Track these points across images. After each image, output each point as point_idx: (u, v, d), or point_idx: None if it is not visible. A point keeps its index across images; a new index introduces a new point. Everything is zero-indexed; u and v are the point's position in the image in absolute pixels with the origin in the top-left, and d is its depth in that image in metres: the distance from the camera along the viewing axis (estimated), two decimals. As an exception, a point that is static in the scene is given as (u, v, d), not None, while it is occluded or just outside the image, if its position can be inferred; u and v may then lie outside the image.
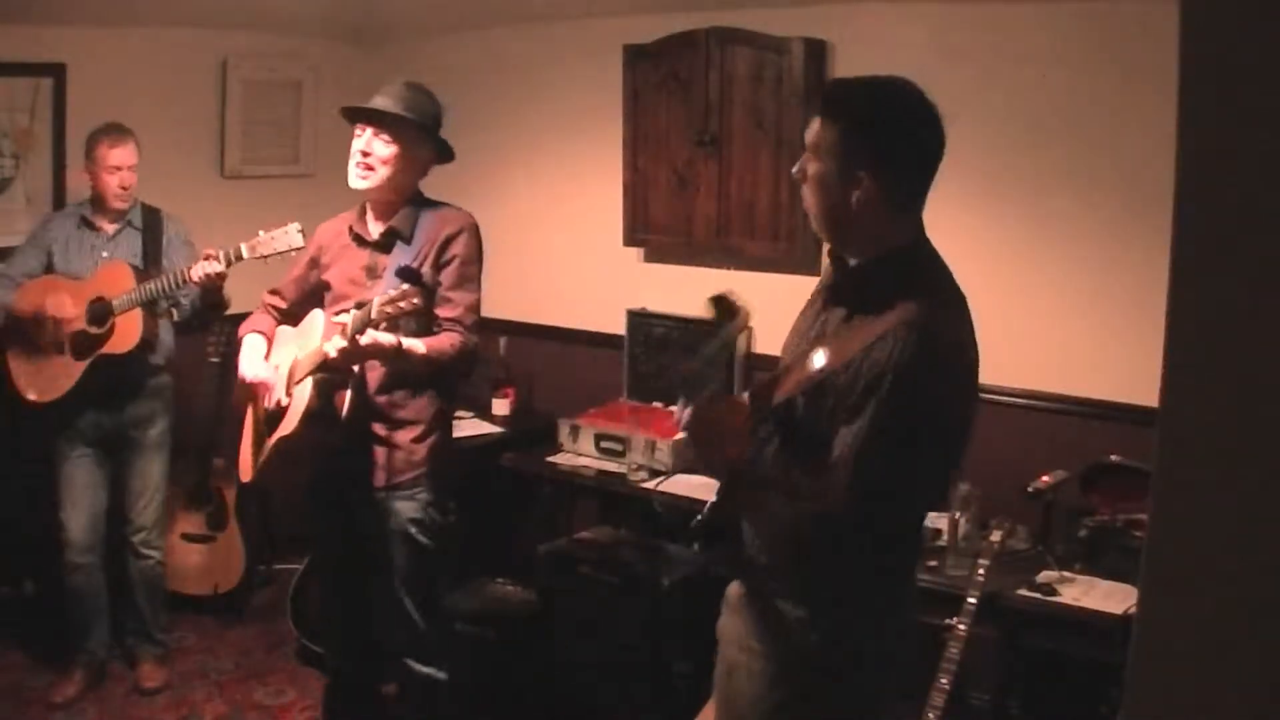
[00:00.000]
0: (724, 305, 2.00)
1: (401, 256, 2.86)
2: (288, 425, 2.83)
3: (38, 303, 3.50)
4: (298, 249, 3.19)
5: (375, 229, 2.96)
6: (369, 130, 2.87)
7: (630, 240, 4.30)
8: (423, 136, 2.91)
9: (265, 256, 3.24)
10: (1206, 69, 0.81)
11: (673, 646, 3.44)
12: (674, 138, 4.08)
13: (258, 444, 3.03)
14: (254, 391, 3.03)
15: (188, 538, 4.26)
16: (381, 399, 2.89)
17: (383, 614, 3.01)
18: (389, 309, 2.58)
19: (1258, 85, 0.79)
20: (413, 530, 2.93)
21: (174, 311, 3.65)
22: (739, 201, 3.94)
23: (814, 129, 1.85)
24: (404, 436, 2.91)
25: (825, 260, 2.20)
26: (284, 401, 2.88)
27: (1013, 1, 3.47)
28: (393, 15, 4.71)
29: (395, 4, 4.61)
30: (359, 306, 2.71)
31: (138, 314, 3.44)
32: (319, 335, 2.82)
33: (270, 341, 3.07)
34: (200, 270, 3.30)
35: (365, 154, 2.86)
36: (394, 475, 2.91)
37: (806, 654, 1.90)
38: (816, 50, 3.77)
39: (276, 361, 2.99)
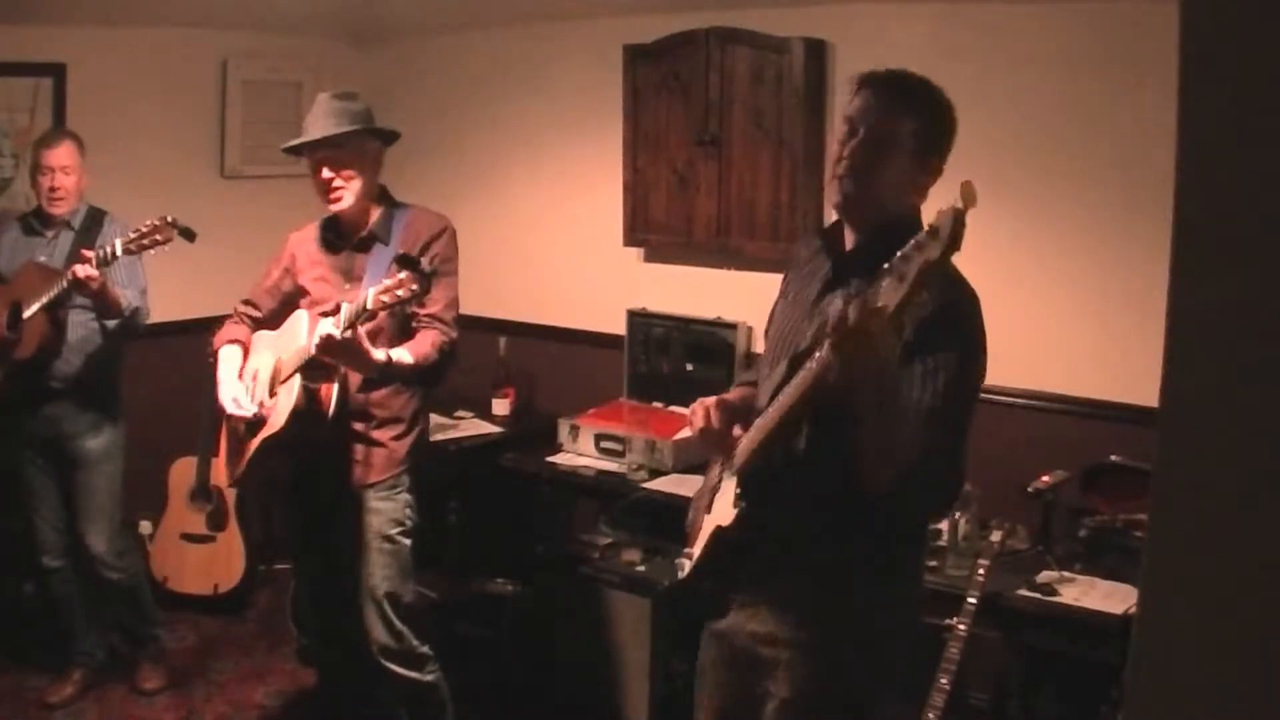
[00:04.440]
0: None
1: (381, 257, 2.87)
2: (273, 424, 2.82)
3: None
4: (169, 242, 3.12)
5: (349, 232, 2.98)
6: (321, 156, 2.88)
7: (630, 240, 4.30)
8: (366, 137, 2.93)
9: (137, 253, 3.16)
10: (1206, 69, 0.81)
11: (672, 647, 3.44)
12: (674, 138, 4.08)
13: (236, 449, 3.01)
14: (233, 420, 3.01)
15: (188, 538, 4.26)
16: (364, 397, 2.90)
17: (360, 615, 2.98)
18: (385, 298, 2.54)
19: (1258, 85, 0.79)
20: (393, 531, 2.95)
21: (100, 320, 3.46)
22: (739, 201, 3.94)
23: (886, 115, 1.94)
24: (386, 435, 2.94)
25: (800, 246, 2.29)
26: (266, 404, 2.87)
27: (1013, 1, 3.47)
28: (393, 15, 4.70)
29: (395, 4, 4.60)
30: (338, 311, 2.69)
31: (40, 319, 3.30)
32: (304, 334, 2.80)
33: (247, 350, 3.05)
34: (72, 271, 3.19)
35: (328, 179, 2.88)
36: (376, 473, 2.93)
37: (856, 634, 1.98)
38: (816, 50, 3.77)
39: (255, 367, 2.97)
